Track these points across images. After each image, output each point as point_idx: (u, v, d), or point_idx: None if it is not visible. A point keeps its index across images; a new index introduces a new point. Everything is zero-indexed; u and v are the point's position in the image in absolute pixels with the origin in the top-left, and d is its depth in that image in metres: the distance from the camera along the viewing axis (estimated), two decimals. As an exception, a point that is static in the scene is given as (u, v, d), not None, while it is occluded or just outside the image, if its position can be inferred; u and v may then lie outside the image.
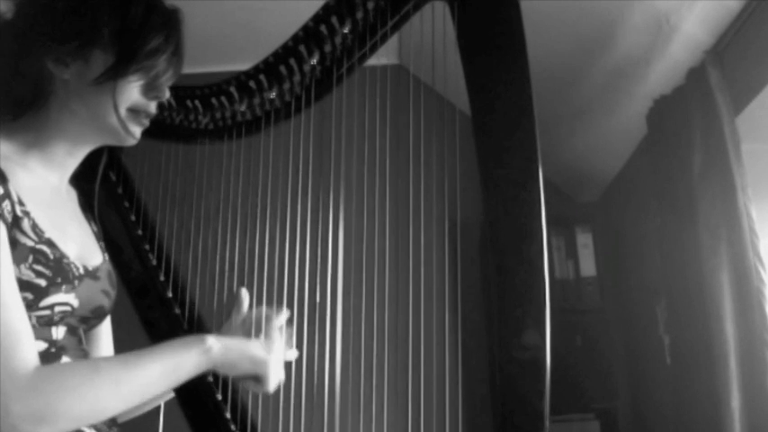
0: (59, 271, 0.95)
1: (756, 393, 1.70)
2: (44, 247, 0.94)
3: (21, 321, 0.87)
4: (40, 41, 0.97)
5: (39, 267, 0.92)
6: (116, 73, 0.98)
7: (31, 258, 0.92)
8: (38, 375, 0.85)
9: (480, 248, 2.63)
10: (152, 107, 1.04)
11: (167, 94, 1.06)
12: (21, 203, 0.93)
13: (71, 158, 1.07)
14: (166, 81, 1.04)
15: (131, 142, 1.06)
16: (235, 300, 1.20)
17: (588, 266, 2.55)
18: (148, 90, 1.02)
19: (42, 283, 0.92)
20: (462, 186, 1.08)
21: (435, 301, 1.17)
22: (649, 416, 2.50)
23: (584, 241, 2.58)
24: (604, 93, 2.34)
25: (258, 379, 1.07)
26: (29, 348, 0.87)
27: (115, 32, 0.98)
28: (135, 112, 1.02)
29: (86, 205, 1.17)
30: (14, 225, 0.91)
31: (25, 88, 0.99)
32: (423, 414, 1.14)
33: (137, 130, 1.04)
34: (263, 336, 1.13)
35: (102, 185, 1.30)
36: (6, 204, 0.90)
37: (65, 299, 0.96)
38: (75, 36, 0.98)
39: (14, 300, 0.88)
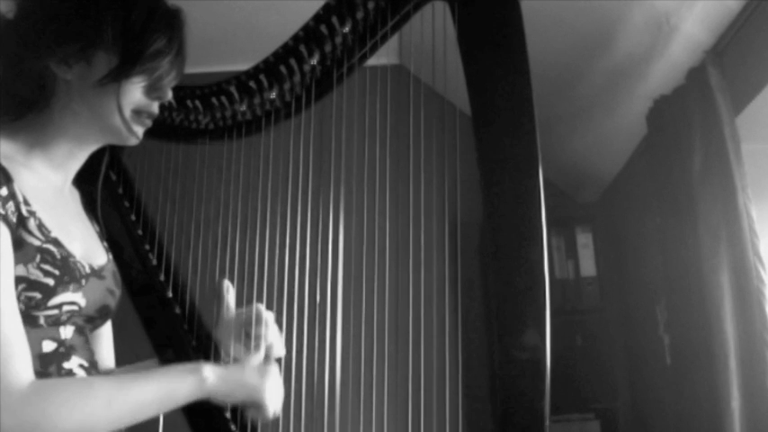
0: (66, 270, 0.95)
1: (756, 393, 1.70)
2: (51, 247, 0.94)
3: (16, 333, 0.87)
4: (42, 42, 0.97)
5: (46, 266, 0.92)
6: (119, 74, 0.98)
7: (38, 258, 0.92)
8: (31, 389, 0.86)
9: (480, 248, 2.63)
10: (155, 108, 1.05)
11: (170, 95, 1.06)
12: (26, 203, 0.93)
13: (73, 159, 1.07)
14: (170, 82, 1.04)
15: (134, 142, 1.06)
16: (217, 294, 1.19)
17: (588, 266, 2.55)
18: (151, 91, 1.02)
19: (50, 282, 0.93)
20: (462, 186, 1.08)
21: (435, 301, 1.17)
22: (649, 416, 2.50)
23: (584, 241, 2.58)
24: (604, 93, 2.34)
25: (257, 406, 1.07)
26: (23, 361, 0.87)
27: (118, 34, 0.98)
28: (137, 112, 1.03)
29: (89, 206, 1.18)
30: (20, 225, 0.91)
31: (27, 89, 0.99)
32: (423, 414, 1.14)
33: (139, 131, 1.05)
34: (253, 339, 1.12)
35: (102, 186, 1.30)
36: (10, 205, 0.90)
37: (72, 298, 0.96)
38: (78, 37, 0.98)
39: (11, 310, 0.88)
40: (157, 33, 1.00)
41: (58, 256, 0.94)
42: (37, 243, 0.92)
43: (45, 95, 0.99)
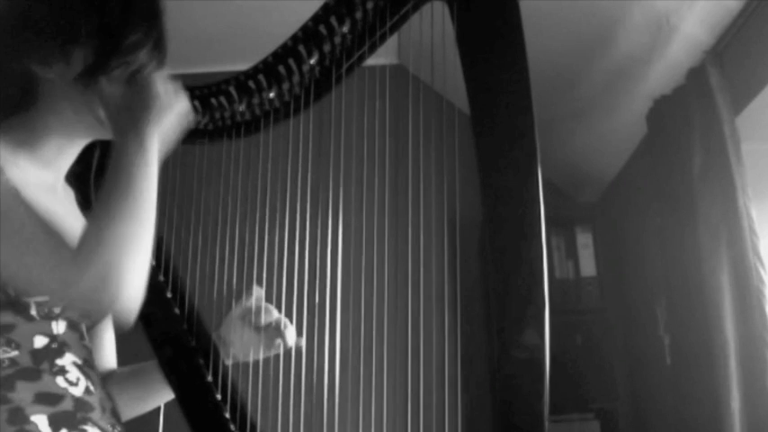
0: None
1: (756, 393, 1.70)
2: None
3: (45, 222, 0.88)
4: (20, 43, 0.97)
5: None
6: (96, 70, 0.97)
7: None
8: (80, 248, 0.86)
9: (480, 248, 2.63)
10: None
11: None
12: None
13: (63, 155, 1.06)
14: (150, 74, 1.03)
15: None
16: (246, 292, 1.21)
17: (588, 266, 2.55)
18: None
19: None
20: (462, 186, 1.08)
21: (435, 300, 1.17)
22: (649, 416, 2.50)
23: (584, 241, 2.58)
24: (604, 93, 2.34)
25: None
26: (66, 239, 0.88)
27: (94, 30, 0.97)
28: None
29: (84, 204, 1.17)
30: None
31: (10, 90, 0.99)
32: (422, 414, 1.14)
33: None
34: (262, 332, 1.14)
35: (100, 184, 1.30)
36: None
37: None
38: (55, 36, 0.97)
39: (35, 210, 0.88)
40: (133, 25, 0.98)
41: None
42: None
43: (28, 96, 0.99)
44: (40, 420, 0.88)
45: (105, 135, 1.06)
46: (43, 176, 1.04)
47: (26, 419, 0.88)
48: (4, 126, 1.00)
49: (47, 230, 0.88)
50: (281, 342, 1.18)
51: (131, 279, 0.89)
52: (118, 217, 0.90)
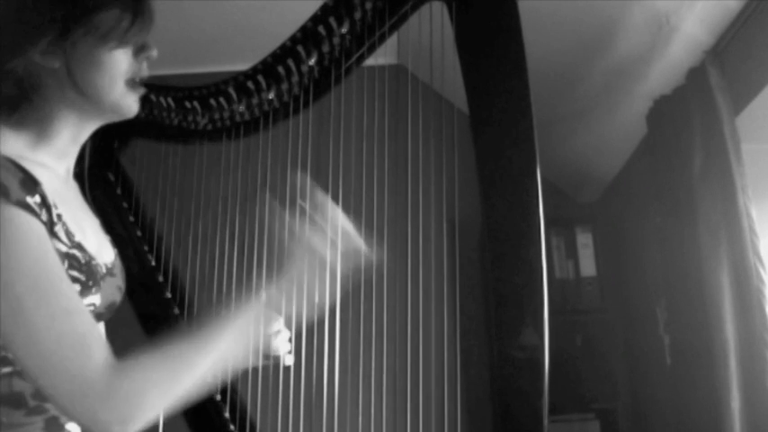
0: (90, 274, 0.96)
1: (756, 393, 1.70)
2: (76, 252, 0.94)
3: (86, 323, 0.87)
4: (21, 39, 0.96)
5: (73, 273, 0.93)
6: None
7: (66, 264, 0.92)
8: (116, 376, 0.84)
9: (479, 248, 2.63)
10: (144, 70, 1.04)
11: (155, 52, 1.04)
12: (55, 206, 0.93)
13: (75, 144, 1.06)
14: (143, 34, 1.02)
15: (133, 113, 1.05)
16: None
17: (588, 266, 2.55)
18: (138, 52, 1.01)
19: (77, 288, 0.93)
20: (462, 185, 1.08)
21: (435, 301, 1.17)
22: (649, 416, 2.50)
23: (585, 241, 2.58)
24: (604, 93, 2.33)
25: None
26: (99, 348, 0.86)
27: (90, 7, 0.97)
28: (130, 82, 1.02)
29: (87, 196, 1.17)
30: (49, 231, 0.90)
31: (13, 87, 0.98)
32: (422, 413, 1.14)
33: (136, 100, 1.04)
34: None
35: (100, 186, 1.30)
36: (43, 213, 0.90)
37: (93, 300, 0.97)
38: (57, 24, 0.96)
39: (75, 300, 0.87)
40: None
41: (83, 261, 0.95)
42: (64, 249, 0.93)
43: (34, 89, 0.99)
44: (74, 429, 0.92)
45: (117, 116, 1.05)
46: (59, 171, 1.04)
47: (62, 428, 0.91)
48: (16, 122, 1.00)
49: (80, 326, 0.85)
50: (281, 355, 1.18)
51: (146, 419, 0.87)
52: (176, 377, 0.88)
